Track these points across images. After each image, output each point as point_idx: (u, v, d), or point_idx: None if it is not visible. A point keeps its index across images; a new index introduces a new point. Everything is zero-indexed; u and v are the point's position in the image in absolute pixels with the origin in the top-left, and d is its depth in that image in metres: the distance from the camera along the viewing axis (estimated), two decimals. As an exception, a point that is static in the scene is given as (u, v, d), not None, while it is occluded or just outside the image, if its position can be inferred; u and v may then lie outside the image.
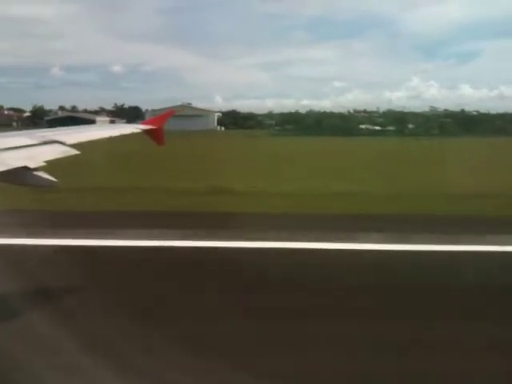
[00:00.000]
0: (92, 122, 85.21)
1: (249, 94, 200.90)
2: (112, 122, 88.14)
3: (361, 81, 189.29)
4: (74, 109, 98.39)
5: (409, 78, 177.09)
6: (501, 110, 78.39)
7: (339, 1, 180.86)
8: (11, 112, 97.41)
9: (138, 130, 7.06)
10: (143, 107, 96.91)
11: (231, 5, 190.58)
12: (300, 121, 77.12)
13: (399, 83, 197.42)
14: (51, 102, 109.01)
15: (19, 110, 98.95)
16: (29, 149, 4.32)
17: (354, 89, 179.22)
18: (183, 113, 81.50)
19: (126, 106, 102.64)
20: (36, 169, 3.91)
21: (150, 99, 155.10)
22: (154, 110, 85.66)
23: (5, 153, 3.97)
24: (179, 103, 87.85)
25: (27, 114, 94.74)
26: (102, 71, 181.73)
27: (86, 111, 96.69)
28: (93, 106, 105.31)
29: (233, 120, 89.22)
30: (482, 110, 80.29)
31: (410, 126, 70.82)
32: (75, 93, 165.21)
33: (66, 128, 5.99)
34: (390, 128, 69.59)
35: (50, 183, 3.92)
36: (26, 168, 3.84)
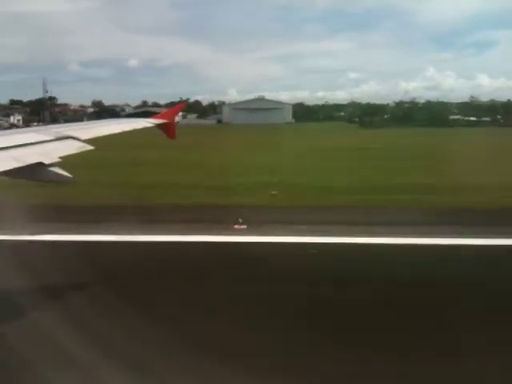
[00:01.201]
0: None
1: (263, 87, 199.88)
2: (184, 117, 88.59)
3: (376, 72, 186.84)
4: (144, 104, 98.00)
5: (425, 68, 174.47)
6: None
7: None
8: (77, 107, 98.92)
9: (151, 125, 7.04)
10: (160, 101, 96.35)
11: None
12: (377, 112, 73.99)
13: (415, 73, 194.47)
14: (71, 98, 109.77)
15: (83, 106, 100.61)
16: (44, 145, 4.30)
17: (369, 80, 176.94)
18: (259, 106, 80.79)
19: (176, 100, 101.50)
20: (51, 164, 3.89)
21: (165, 93, 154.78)
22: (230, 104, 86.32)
23: (20, 149, 3.96)
24: (254, 96, 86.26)
25: (91, 109, 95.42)
26: (118, 66, 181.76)
27: (155, 105, 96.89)
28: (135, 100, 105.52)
29: (301, 112, 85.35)
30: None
31: (498, 116, 67.96)
32: (93, 88, 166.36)
33: (79, 123, 5.97)
34: (486, 119, 65.97)
35: (66, 179, 3.91)
36: (41, 164, 3.83)
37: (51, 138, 4.55)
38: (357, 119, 70.71)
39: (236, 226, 9.23)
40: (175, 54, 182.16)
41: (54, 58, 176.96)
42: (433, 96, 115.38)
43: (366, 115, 71.41)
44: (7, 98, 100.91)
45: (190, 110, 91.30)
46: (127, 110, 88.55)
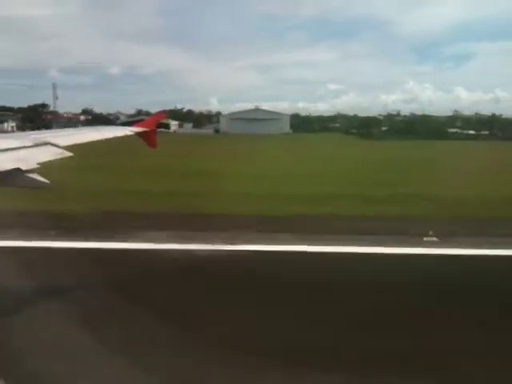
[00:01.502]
0: (166, 125, 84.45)
1: (244, 97, 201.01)
2: (181, 126, 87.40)
3: (356, 83, 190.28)
4: (139, 112, 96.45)
5: (404, 81, 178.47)
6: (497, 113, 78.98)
7: (335, 2, 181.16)
8: (71, 115, 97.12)
9: (131, 133, 7.09)
10: (151, 110, 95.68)
11: (228, 6, 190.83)
12: (372, 125, 75.24)
13: (395, 86, 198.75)
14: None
15: (74, 114, 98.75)
16: (21, 151, 4.32)
17: (349, 91, 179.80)
18: (256, 116, 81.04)
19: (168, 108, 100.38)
20: (29, 171, 3.91)
21: (147, 101, 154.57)
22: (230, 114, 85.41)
23: (-2, 155, 3.98)
24: (251, 106, 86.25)
25: (82, 117, 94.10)
26: (99, 73, 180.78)
27: (148, 114, 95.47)
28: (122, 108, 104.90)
29: (297, 123, 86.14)
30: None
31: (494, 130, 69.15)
32: (72, 95, 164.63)
33: (58, 130, 6.00)
34: (484, 132, 67.43)
35: (43, 185, 3.92)
36: (18, 170, 3.85)
37: (30, 144, 4.57)
38: (353, 131, 71.77)
39: (426, 239, 8.75)
40: (157, 62, 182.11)
41: (34, 64, 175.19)
42: (411, 109, 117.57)
43: (362, 127, 72.74)
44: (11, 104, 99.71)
45: (185, 119, 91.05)
46: (121, 118, 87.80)
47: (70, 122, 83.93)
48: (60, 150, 4.71)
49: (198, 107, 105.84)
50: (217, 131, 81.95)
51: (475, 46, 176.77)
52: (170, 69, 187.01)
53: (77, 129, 6.74)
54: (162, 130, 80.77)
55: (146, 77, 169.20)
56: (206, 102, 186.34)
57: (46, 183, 3.95)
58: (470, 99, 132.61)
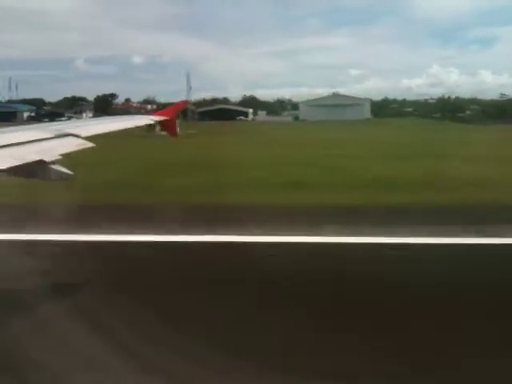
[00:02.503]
0: (244, 113, 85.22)
1: (264, 84, 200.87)
2: (255, 114, 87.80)
3: (378, 68, 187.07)
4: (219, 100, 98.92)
5: (428, 65, 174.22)
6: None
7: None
8: (139, 104, 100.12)
9: (152, 122, 7.01)
10: (163, 98, 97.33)
11: None
12: (457, 109, 74.06)
13: (418, 70, 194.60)
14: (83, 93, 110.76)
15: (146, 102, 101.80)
16: (43, 142, 4.25)
17: (371, 77, 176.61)
18: (335, 102, 79.89)
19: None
20: (52, 162, 3.84)
21: (167, 90, 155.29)
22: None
23: (20, 147, 3.90)
24: (328, 93, 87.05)
25: (149, 106, 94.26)
26: (122, 63, 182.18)
27: (237, 103, 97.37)
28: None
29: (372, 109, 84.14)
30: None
31: None
32: (98, 85, 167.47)
33: (79, 121, 5.94)
34: None
35: (67, 176, 3.88)
36: (41, 162, 3.78)
37: (51, 135, 4.50)
38: (437, 115, 70.36)
39: None
40: (177, 50, 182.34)
41: (58, 55, 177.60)
42: (438, 93, 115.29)
43: (452, 111, 70.97)
44: (33, 94, 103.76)
45: (257, 106, 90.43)
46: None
47: (139, 110, 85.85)
48: (82, 141, 4.63)
49: (218, 95, 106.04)
50: (296, 118, 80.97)
51: (499, 30, 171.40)
52: (189, 57, 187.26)
53: (98, 119, 6.66)
54: (242, 117, 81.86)
55: (164, 65, 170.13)
56: (225, 89, 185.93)
57: (70, 174, 3.89)
58: (495, 82, 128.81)
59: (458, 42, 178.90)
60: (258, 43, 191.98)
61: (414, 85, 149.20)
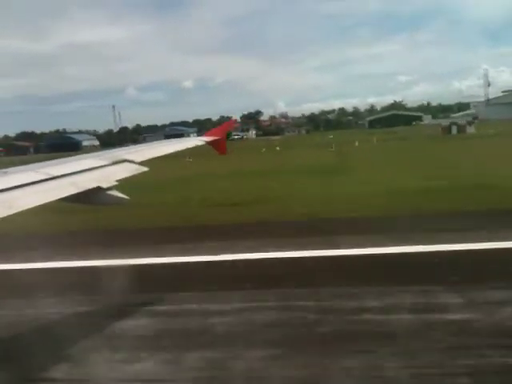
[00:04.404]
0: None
1: (313, 97, 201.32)
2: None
3: (427, 73, 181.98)
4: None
5: (478, 65, 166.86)
6: None
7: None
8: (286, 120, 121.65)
9: (202, 143, 7.08)
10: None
11: (291, 9, 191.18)
12: None
13: (468, 71, 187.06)
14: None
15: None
16: (100, 170, 4.39)
17: (420, 82, 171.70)
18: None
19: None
20: (109, 188, 3.96)
21: (216, 112, 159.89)
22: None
23: (78, 175, 4.05)
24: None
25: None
26: (173, 88, 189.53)
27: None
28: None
29: None
30: None
31: None
32: (148, 111, 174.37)
33: (133, 146, 6.11)
34: None
35: (123, 201, 3.98)
36: (99, 188, 3.90)
37: (108, 162, 4.65)
38: None
39: None
40: (226, 71, 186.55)
41: (111, 85, 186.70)
42: (489, 93, 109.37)
43: None
44: (91, 126, 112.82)
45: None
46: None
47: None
48: (136, 166, 4.75)
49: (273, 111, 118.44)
50: (475, 118, 75.40)
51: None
52: (239, 77, 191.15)
53: (148, 144, 6.84)
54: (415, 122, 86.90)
55: (214, 87, 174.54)
56: (274, 105, 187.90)
57: (126, 199, 3.98)
58: None
59: (506, 41, 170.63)
60: (306, 58, 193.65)
61: (463, 87, 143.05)
